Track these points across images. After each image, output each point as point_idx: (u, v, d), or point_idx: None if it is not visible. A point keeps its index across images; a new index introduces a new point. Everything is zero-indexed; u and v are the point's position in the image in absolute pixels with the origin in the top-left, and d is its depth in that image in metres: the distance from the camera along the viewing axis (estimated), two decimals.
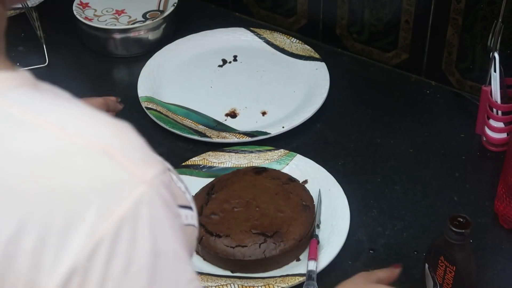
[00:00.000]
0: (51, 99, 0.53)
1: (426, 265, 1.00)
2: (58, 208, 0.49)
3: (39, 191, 0.49)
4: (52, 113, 0.51)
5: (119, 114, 1.34)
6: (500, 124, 1.20)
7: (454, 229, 0.93)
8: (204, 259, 1.08)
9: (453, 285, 0.96)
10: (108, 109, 1.10)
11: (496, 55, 1.15)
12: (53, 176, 0.49)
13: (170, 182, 0.54)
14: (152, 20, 1.48)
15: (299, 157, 1.21)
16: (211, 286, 1.03)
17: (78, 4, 1.52)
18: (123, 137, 0.52)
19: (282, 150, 1.23)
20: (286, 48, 1.46)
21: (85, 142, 0.50)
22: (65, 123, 0.51)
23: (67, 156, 0.50)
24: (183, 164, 1.21)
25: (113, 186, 0.50)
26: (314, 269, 1.03)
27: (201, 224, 1.08)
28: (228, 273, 1.06)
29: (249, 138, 1.26)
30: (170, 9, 1.50)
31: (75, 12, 1.49)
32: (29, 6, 1.47)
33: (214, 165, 1.21)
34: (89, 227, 0.49)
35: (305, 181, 1.18)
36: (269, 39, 1.48)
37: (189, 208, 0.65)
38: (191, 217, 0.65)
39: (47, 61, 1.45)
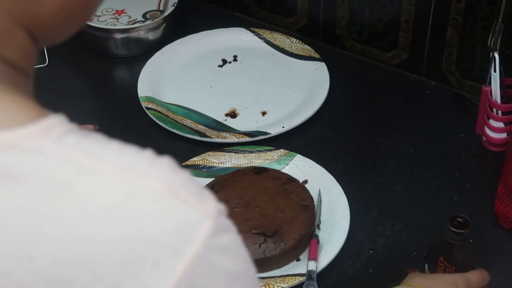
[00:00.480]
0: (103, 142, 0.51)
1: (426, 265, 1.00)
2: (132, 256, 0.48)
3: (111, 240, 0.48)
4: (109, 157, 0.50)
5: (119, 114, 1.34)
6: (500, 124, 1.20)
7: (453, 229, 0.93)
8: None
9: None
10: None
11: (496, 55, 1.15)
12: (125, 224, 0.48)
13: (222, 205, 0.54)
14: (152, 20, 1.47)
15: (299, 157, 1.21)
16: None
17: None
18: (178, 173, 0.52)
19: (282, 150, 1.23)
20: (286, 48, 1.46)
21: (149, 185, 0.50)
22: (124, 167, 0.50)
23: (136, 201, 0.49)
24: (183, 164, 1.21)
25: (184, 226, 0.50)
26: (314, 269, 1.03)
27: None
28: None
29: (249, 138, 1.26)
30: (170, 9, 1.50)
31: None
32: None
33: (214, 165, 1.21)
34: (165, 272, 0.49)
35: (305, 181, 1.18)
36: (269, 39, 1.48)
37: None
38: None
39: (47, 61, 1.45)
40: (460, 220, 0.93)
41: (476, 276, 0.95)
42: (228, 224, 0.53)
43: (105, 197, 0.49)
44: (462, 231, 0.93)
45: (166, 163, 0.52)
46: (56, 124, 0.51)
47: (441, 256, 0.96)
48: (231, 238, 0.53)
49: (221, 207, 0.52)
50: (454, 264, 0.95)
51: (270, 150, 1.23)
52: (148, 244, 0.49)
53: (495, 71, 1.16)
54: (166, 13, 1.48)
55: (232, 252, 0.53)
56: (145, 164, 0.51)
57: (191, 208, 0.50)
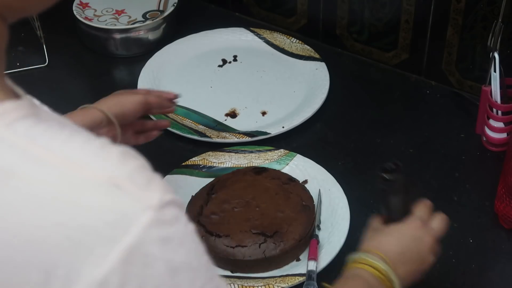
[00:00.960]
0: (55, 129, 0.53)
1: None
2: (66, 243, 0.49)
3: (46, 226, 0.49)
4: (56, 145, 0.52)
5: None
6: (500, 124, 1.20)
7: (382, 174, 0.88)
8: None
9: None
10: (148, 110, 1.07)
11: (496, 55, 1.15)
12: (61, 212, 0.50)
13: (174, 195, 0.54)
14: (152, 20, 1.48)
15: (299, 157, 1.21)
16: None
17: (78, 4, 1.52)
18: (126, 164, 0.53)
19: (282, 150, 1.23)
20: (286, 48, 1.46)
21: (93, 175, 0.51)
22: (70, 156, 0.51)
23: (75, 190, 0.50)
24: (183, 164, 1.21)
25: (121, 217, 0.51)
26: (314, 269, 1.03)
27: (201, 224, 1.08)
28: (228, 273, 1.06)
29: (249, 138, 1.26)
30: (170, 9, 1.50)
31: (75, 12, 1.49)
32: None
33: (214, 165, 1.21)
34: (99, 259, 0.50)
35: (305, 181, 1.18)
36: (269, 39, 1.48)
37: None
38: None
39: (47, 61, 1.45)
40: (393, 166, 0.88)
41: (425, 211, 0.92)
42: (176, 215, 0.53)
43: (45, 184, 0.50)
44: (387, 176, 0.88)
45: (115, 153, 0.53)
46: (11, 109, 0.52)
47: (380, 206, 0.93)
48: (177, 229, 0.53)
49: (169, 198, 0.53)
50: (389, 213, 0.91)
51: (270, 150, 1.23)
52: (83, 232, 0.50)
53: (495, 71, 1.16)
54: (166, 13, 1.49)
55: (175, 243, 0.53)
56: (92, 153, 0.52)
57: (131, 200, 0.51)
